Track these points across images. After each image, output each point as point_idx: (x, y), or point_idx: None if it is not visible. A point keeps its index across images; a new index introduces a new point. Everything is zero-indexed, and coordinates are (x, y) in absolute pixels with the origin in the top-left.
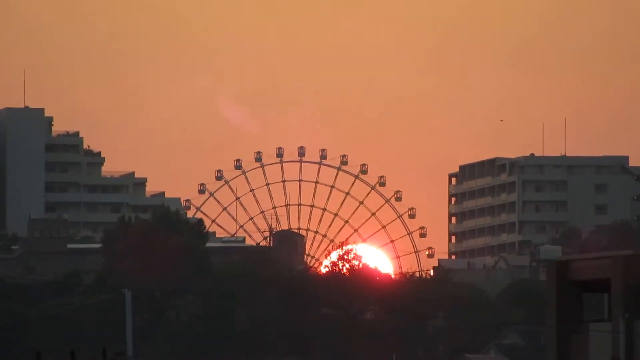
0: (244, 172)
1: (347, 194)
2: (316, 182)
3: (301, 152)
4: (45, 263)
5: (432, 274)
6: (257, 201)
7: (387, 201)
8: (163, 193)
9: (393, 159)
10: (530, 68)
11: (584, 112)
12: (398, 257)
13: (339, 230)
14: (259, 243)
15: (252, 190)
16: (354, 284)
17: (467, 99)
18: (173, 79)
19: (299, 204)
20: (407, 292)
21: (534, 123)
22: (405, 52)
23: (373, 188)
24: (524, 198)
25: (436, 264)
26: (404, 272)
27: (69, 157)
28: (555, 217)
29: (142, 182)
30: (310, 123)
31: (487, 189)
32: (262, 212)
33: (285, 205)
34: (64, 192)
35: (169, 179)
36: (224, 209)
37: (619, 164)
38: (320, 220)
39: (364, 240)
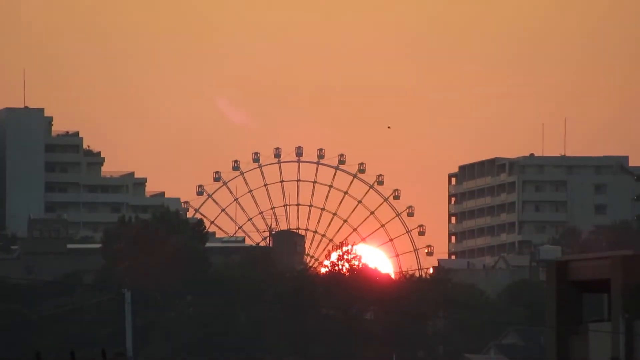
0: (242, 173)
1: (346, 193)
2: (314, 182)
3: (299, 152)
4: (45, 263)
5: (431, 271)
6: (255, 202)
7: (386, 199)
8: (163, 193)
9: (393, 159)
10: (530, 68)
11: (584, 112)
12: (397, 255)
13: (338, 230)
14: (258, 243)
15: (250, 191)
16: (353, 284)
17: (467, 99)
18: (173, 79)
19: (298, 204)
20: (407, 292)
21: (534, 123)
22: (405, 51)
23: (371, 187)
24: (524, 198)
25: (435, 262)
26: (403, 270)
27: (69, 157)
28: (555, 217)
29: (142, 182)
30: (308, 123)
31: (486, 189)
32: (261, 212)
33: (284, 206)
34: (64, 192)
35: (169, 179)
36: (223, 210)
37: (618, 164)
38: (319, 220)
39: (363, 239)
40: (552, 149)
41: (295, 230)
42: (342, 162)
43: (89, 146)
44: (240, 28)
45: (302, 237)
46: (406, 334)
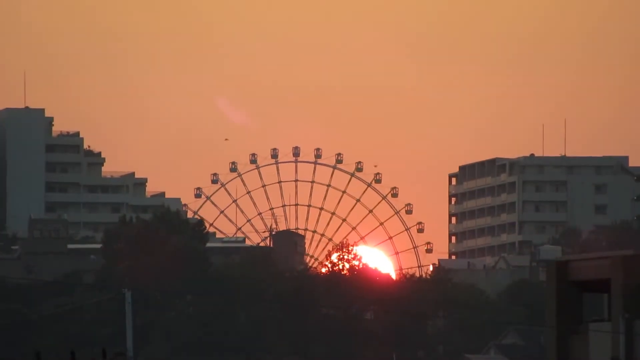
0: (239, 175)
1: (344, 192)
2: (312, 182)
3: (296, 152)
4: (45, 263)
5: (431, 269)
6: (254, 203)
7: (384, 198)
8: (163, 193)
9: (393, 159)
10: (529, 68)
11: (584, 112)
12: (397, 253)
13: (337, 229)
14: (259, 244)
15: (248, 192)
16: (354, 284)
17: (467, 99)
18: (173, 79)
19: (296, 204)
20: (407, 292)
21: (534, 123)
22: (405, 51)
23: (369, 185)
24: (524, 198)
25: (434, 259)
26: (403, 268)
27: (69, 157)
28: (555, 217)
29: (142, 182)
30: (307, 123)
31: (487, 189)
32: (260, 213)
33: (282, 206)
34: (64, 192)
35: (169, 179)
36: (221, 212)
37: (618, 164)
38: (318, 220)
39: (362, 238)
40: (552, 149)
41: (294, 231)
42: (339, 161)
43: (89, 146)
44: (240, 28)
45: (302, 237)
46: (406, 334)
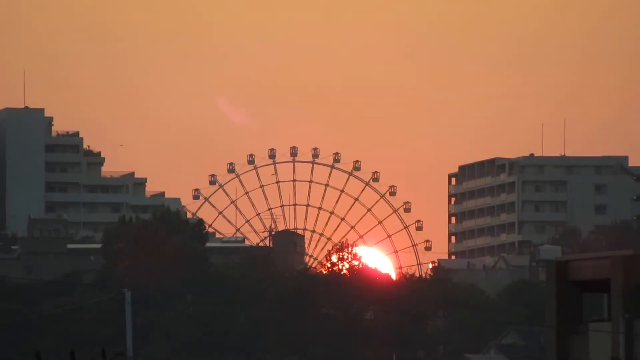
0: (237, 176)
1: (342, 191)
2: (310, 182)
3: (293, 152)
4: (45, 263)
5: (430, 266)
6: (252, 204)
7: (382, 196)
8: (163, 193)
9: (393, 159)
10: (529, 68)
11: (584, 112)
12: (396, 251)
13: (336, 228)
14: (258, 243)
15: (247, 193)
16: (353, 284)
17: (467, 99)
18: (173, 79)
19: (294, 204)
20: (407, 292)
21: (534, 123)
22: (405, 51)
23: (367, 184)
24: (524, 198)
25: (433, 257)
26: (402, 266)
27: (69, 157)
28: (555, 217)
29: (142, 182)
30: (306, 123)
31: (486, 189)
32: (258, 214)
33: (281, 206)
34: (64, 192)
35: (169, 179)
36: (220, 213)
37: (618, 164)
38: (317, 219)
39: (361, 237)
40: (552, 149)
41: (293, 230)
42: (337, 160)
43: (89, 146)
44: (238, 28)
45: (302, 237)
46: (406, 334)
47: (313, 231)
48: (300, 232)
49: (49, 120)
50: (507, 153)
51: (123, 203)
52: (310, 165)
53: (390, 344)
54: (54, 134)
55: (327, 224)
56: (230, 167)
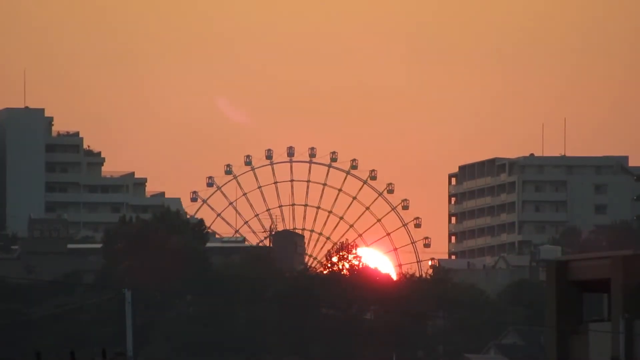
0: (235, 177)
1: (340, 190)
2: (308, 181)
3: (290, 152)
4: (45, 263)
5: (429, 263)
6: (250, 205)
7: (380, 194)
8: (163, 193)
9: (393, 159)
10: (529, 68)
11: (584, 112)
12: (395, 249)
13: (335, 227)
14: (258, 243)
15: (244, 194)
16: (354, 284)
17: (467, 98)
18: (173, 79)
19: (292, 204)
20: (407, 292)
21: (534, 123)
22: (404, 51)
23: (365, 182)
24: (524, 198)
25: (433, 254)
26: (402, 264)
27: (69, 157)
28: (555, 217)
29: (142, 182)
30: (302, 123)
31: (486, 189)
32: (257, 215)
33: (279, 207)
34: (64, 192)
35: (169, 179)
36: (218, 215)
37: (618, 164)
38: (315, 219)
39: (360, 235)
40: (552, 149)
41: (293, 230)
42: (334, 159)
43: (89, 146)
44: (238, 29)
45: (302, 237)
46: (406, 334)
47: (312, 231)
48: (298, 232)
49: (49, 120)
50: (507, 153)
51: (123, 203)
52: (308, 165)
53: (390, 344)
54: (54, 134)
55: (325, 223)
56: (228, 169)
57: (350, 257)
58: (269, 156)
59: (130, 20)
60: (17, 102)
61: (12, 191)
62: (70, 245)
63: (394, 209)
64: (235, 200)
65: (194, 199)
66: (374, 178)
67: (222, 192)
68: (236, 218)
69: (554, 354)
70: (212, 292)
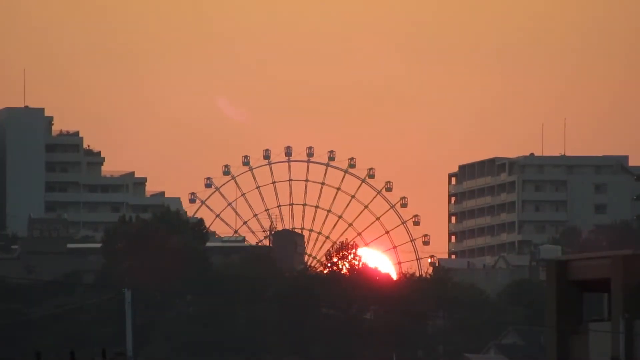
0: (233, 177)
1: (338, 189)
2: (306, 181)
3: (288, 151)
4: (45, 263)
5: (429, 261)
6: (249, 205)
7: (379, 192)
8: (163, 193)
9: (392, 159)
10: (529, 68)
11: (584, 111)
12: (394, 247)
13: (334, 226)
14: (258, 243)
15: (243, 195)
16: (353, 284)
17: (467, 98)
18: (173, 79)
19: (291, 204)
20: (407, 292)
21: (533, 122)
22: (404, 51)
23: (363, 181)
24: (524, 198)
25: (432, 252)
26: (401, 262)
27: (69, 157)
28: (555, 217)
29: (142, 182)
30: (299, 123)
31: (486, 188)
32: (256, 215)
33: (278, 207)
34: (64, 192)
35: (169, 178)
36: (217, 216)
37: (618, 164)
38: (314, 218)
39: (359, 234)
40: (552, 149)
41: (292, 230)
42: (332, 158)
43: (89, 146)
44: (236, 29)
45: (302, 237)
46: (406, 334)
47: (311, 230)
48: (297, 231)
49: (49, 120)
50: (507, 153)
51: (123, 203)
52: (306, 164)
53: (390, 344)
54: (54, 133)
55: (324, 222)
56: (226, 170)
57: (350, 257)
58: (266, 156)
59: (130, 20)
60: (17, 101)
61: (12, 191)
62: (70, 245)
63: (392, 207)
64: (234, 200)
65: (192, 200)
66: (372, 176)
67: (220, 193)
68: (235, 219)
69: (554, 353)
70: (212, 292)
